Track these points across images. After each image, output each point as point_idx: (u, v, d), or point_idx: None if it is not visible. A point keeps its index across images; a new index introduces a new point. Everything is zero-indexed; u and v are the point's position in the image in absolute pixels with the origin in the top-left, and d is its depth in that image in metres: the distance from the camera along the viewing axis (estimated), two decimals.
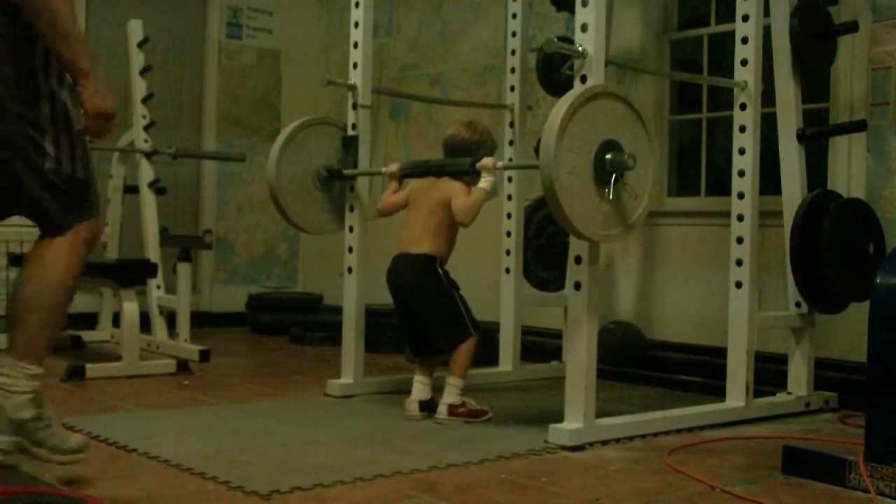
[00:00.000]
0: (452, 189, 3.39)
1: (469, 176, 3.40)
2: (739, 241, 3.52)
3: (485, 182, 3.33)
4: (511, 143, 4.31)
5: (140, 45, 5.20)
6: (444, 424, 3.27)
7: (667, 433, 3.22)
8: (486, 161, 3.33)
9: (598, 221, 2.91)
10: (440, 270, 3.40)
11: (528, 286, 4.41)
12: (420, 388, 3.41)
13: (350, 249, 3.81)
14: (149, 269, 4.56)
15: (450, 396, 3.32)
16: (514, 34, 4.30)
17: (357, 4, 3.80)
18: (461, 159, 3.43)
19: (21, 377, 2.34)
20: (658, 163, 3.13)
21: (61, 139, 2.39)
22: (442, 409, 3.30)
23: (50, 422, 2.41)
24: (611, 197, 2.89)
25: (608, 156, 2.89)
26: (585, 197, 2.88)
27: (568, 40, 3.33)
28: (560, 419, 3.04)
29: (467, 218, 3.35)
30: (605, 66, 3.02)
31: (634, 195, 2.99)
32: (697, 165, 4.83)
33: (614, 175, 2.89)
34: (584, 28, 2.98)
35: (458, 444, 2.98)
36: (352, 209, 3.82)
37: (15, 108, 2.33)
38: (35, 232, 2.46)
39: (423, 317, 3.41)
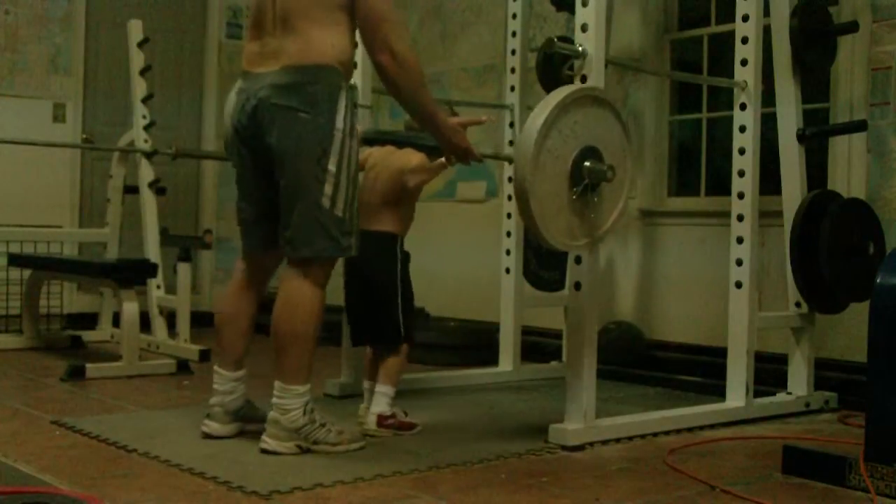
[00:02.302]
0: (412, 157, 3.26)
1: (433, 154, 3.24)
2: (739, 241, 3.52)
3: (448, 161, 3.16)
4: (511, 143, 4.31)
5: (140, 45, 5.21)
6: (372, 436, 3.07)
7: (667, 433, 3.22)
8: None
9: (564, 228, 2.83)
10: (399, 254, 3.26)
11: (528, 286, 4.41)
12: (368, 395, 3.27)
13: None
14: (149, 269, 4.56)
15: (379, 405, 3.15)
16: (514, 34, 4.30)
17: None
18: (427, 136, 3.20)
19: (292, 397, 2.75)
20: (633, 180, 3.05)
21: (341, 181, 2.76)
22: (371, 420, 3.13)
23: (323, 421, 2.80)
24: (574, 198, 2.81)
25: (587, 163, 2.81)
26: (556, 202, 2.79)
27: (568, 40, 3.33)
28: (560, 419, 3.04)
29: (414, 179, 3.23)
30: (605, 66, 3.02)
31: (601, 212, 2.90)
32: (697, 165, 4.83)
33: (588, 183, 2.82)
34: (584, 28, 2.98)
35: (458, 444, 2.98)
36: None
37: (313, 150, 2.73)
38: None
39: (368, 305, 3.28)
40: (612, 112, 2.94)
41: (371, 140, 3.41)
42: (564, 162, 2.79)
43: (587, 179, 2.81)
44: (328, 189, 2.75)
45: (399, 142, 3.36)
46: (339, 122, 2.76)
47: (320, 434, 2.78)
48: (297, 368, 2.75)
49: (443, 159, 3.17)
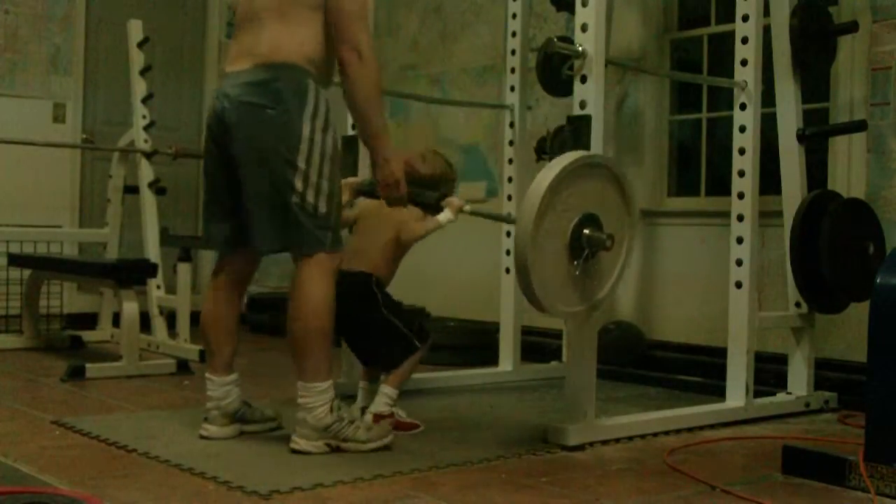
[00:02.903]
0: (408, 212, 3.21)
1: (429, 212, 3.22)
2: (739, 241, 3.52)
3: (444, 217, 3.15)
4: (511, 143, 4.31)
5: (140, 45, 5.21)
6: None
7: (667, 433, 3.22)
8: (454, 201, 3.16)
9: (561, 295, 2.79)
10: (377, 292, 3.19)
11: None
12: (363, 394, 3.31)
13: None
14: (149, 269, 4.56)
15: (378, 405, 3.14)
16: (514, 34, 4.30)
17: None
18: (426, 191, 3.18)
19: (315, 394, 2.76)
20: (633, 245, 3.00)
21: (310, 177, 2.73)
22: (367, 419, 3.09)
23: (351, 418, 2.82)
24: (577, 272, 2.78)
25: (586, 231, 2.77)
26: (558, 279, 2.76)
27: (568, 40, 3.33)
28: (560, 419, 3.04)
29: (408, 234, 3.22)
30: (605, 66, 3.02)
31: (599, 278, 2.88)
32: (697, 165, 4.83)
33: (587, 252, 2.78)
34: (584, 28, 2.98)
35: (458, 444, 2.98)
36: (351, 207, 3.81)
37: (278, 147, 2.72)
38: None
39: (360, 338, 3.29)
40: (608, 173, 2.88)
41: (367, 192, 3.33)
42: (563, 235, 2.76)
43: (586, 249, 2.78)
44: (298, 185, 2.73)
45: None
46: (307, 118, 2.75)
47: (349, 431, 2.79)
48: (316, 365, 2.76)
49: (439, 217, 3.16)
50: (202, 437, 2.96)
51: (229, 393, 3.02)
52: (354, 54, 2.76)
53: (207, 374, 3.05)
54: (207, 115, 2.95)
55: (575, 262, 2.78)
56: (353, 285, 3.11)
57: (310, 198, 2.75)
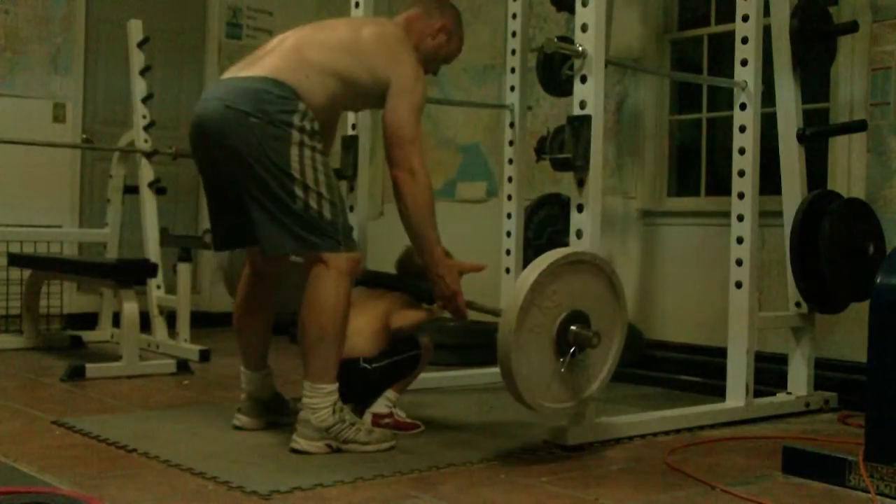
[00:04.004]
0: (401, 300, 3.22)
1: (423, 301, 3.22)
2: (739, 241, 3.52)
3: (438, 308, 3.16)
4: (511, 143, 4.31)
5: (140, 45, 5.21)
6: None
7: (667, 433, 3.22)
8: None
9: (547, 392, 2.76)
10: (365, 368, 3.12)
11: None
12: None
13: None
14: (149, 269, 4.56)
15: (377, 405, 3.14)
16: (514, 34, 4.29)
17: (357, 5, 3.80)
18: (421, 283, 3.16)
19: (321, 396, 2.75)
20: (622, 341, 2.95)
21: (309, 185, 2.74)
22: (366, 419, 3.10)
23: (353, 421, 2.82)
24: (562, 370, 2.75)
25: (573, 327, 2.72)
26: (544, 377, 2.72)
27: (568, 40, 3.33)
28: (560, 419, 3.03)
29: (399, 321, 3.17)
30: (605, 66, 3.01)
31: (588, 374, 2.86)
32: (697, 165, 4.83)
33: (573, 349, 2.74)
34: (584, 28, 2.97)
35: (458, 444, 2.98)
36: (351, 209, 3.81)
37: (269, 157, 2.71)
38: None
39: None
40: (597, 269, 2.85)
41: (362, 281, 3.28)
42: (549, 332, 2.71)
43: (573, 346, 2.74)
44: (299, 193, 2.73)
45: (390, 285, 3.30)
46: (294, 128, 2.74)
47: (350, 433, 2.79)
48: (324, 367, 2.76)
49: (433, 306, 3.17)
50: (235, 427, 3.05)
51: (263, 386, 3.09)
52: (408, 175, 2.83)
53: (241, 368, 3.13)
54: (191, 121, 2.89)
55: (561, 359, 2.74)
56: (341, 375, 2.92)
57: (313, 204, 2.75)
